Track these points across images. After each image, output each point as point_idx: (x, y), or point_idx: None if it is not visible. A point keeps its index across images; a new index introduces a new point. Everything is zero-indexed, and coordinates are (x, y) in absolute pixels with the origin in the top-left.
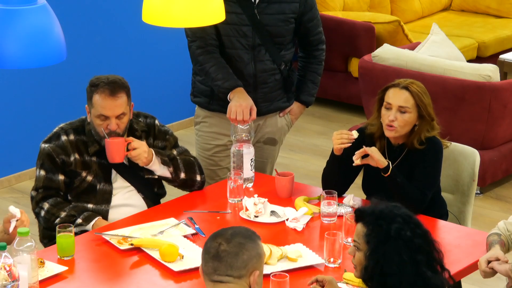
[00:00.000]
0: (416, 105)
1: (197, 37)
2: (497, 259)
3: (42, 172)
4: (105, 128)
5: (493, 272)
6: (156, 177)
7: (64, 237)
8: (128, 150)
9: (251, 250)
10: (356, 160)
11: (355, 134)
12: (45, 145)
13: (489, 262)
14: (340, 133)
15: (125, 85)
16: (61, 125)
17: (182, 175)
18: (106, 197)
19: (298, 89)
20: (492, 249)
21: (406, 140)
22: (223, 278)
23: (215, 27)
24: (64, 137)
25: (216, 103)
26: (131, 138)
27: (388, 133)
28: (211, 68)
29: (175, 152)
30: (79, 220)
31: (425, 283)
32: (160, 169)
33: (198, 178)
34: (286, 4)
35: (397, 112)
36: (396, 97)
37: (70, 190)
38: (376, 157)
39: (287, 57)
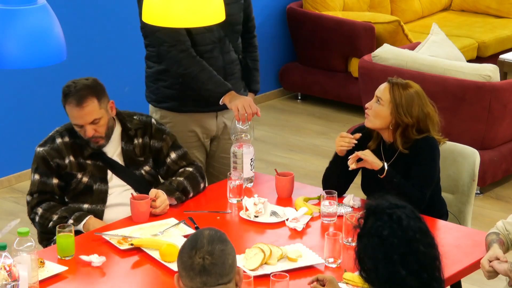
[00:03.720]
0: (389, 101)
1: (176, 40)
2: (497, 259)
3: (37, 176)
4: (84, 135)
5: (496, 272)
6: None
7: (64, 237)
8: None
9: (231, 252)
10: (351, 164)
11: (357, 136)
12: (40, 149)
13: (490, 262)
14: (341, 137)
15: (94, 89)
16: (57, 128)
17: (191, 195)
18: (101, 197)
19: (245, 79)
20: (491, 249)
21: (394, 139)
22: None
23: (186, 29)
24: (59, 140)
25: (188, 104)
26: (153, 193)
27: (365, 122)
28: (200, 73)
29: (173, 155)
30: (70, 221)
31: (399, 282)
32: (175, 202)
33: (202, 186)
34: None
35: (375, 101)
36: (379, 87)
37: (66, 192)
38: (369, 160)
39: (241, 46)
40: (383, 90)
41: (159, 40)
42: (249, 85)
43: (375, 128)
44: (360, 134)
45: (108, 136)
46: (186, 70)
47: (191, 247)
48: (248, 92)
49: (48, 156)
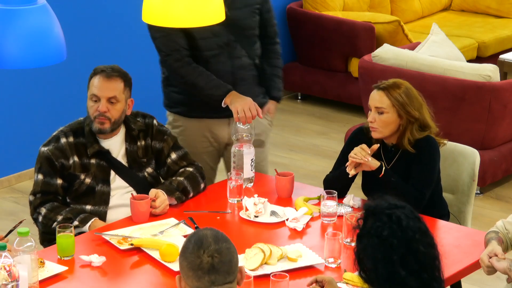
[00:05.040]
0: (392, 106)
1: (171, 50)
2: (496, 255)
3: (40, 176)
4: (95, 110)
5: (494, 268)
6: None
7: (64, 237)
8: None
9: (235, 250)
10: (350, 171)
11: (375, 148)
12: (44, 149)
13: (489, 258)
14: (362, 148)
15: (124, 74)
16: (61, 128)
17: (191, 195)
18: (104, 198)
19: (266, 86)
20: (489, 245)
21: (398, 140)
22: (222, 287)
23: (188, 34)
24: (63, 140)
25: (196, 109)
26: (153, 193)
27: (372, 134)
28: (196, 79)
29: (174, 155)
30: (75, 223)
31: (399, 282)
32: (175, 202)
33: (202, 186)
34: None
35: (375, 113)
36: (373, 98)
37: (69, 193)
38: (367, 162)
39: (258, 51)
40: (380, 99)
41: (156, 48)
42: (269, 91)
43: (385, 137)
44: (378, 145)
45: (114, 125)
46: (183, 78)
47: (197, 247)
48: (269, 100)
49: (52, 156)
